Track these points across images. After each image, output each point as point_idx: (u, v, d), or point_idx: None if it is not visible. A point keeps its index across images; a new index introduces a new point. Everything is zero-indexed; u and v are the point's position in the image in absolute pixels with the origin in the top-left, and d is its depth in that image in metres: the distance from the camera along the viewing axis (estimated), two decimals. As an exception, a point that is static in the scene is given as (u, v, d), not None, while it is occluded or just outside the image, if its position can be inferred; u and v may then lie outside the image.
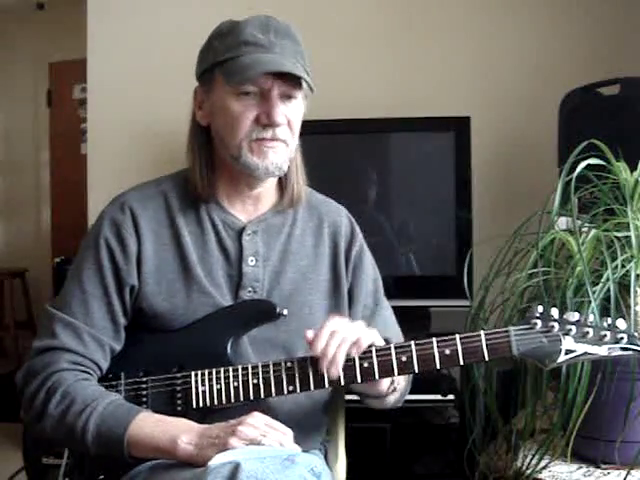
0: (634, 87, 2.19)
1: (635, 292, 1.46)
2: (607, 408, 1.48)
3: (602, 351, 1.18)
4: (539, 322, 1.20)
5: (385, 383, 1.29)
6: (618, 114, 2.16)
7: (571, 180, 1.49)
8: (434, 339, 1.22)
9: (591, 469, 1.53)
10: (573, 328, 1.19)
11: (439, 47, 2.88)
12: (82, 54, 3.14)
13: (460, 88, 2.83)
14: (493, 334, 1.21)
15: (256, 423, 1.16)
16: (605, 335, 1.18)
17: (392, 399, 1.35)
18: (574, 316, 1.21)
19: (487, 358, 1.20)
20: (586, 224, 1.55)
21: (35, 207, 5.27)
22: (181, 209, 1.36)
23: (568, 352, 1.19)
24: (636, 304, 1.47)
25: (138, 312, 1.32)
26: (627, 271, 1.45)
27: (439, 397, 2.39)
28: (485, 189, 2.68)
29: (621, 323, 1.20)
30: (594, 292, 1.41)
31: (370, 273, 1.45)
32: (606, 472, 1.52)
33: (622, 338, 1.19)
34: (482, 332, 1.21)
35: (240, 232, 1.36)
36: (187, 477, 1.13)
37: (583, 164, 1.52)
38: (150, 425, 1.19)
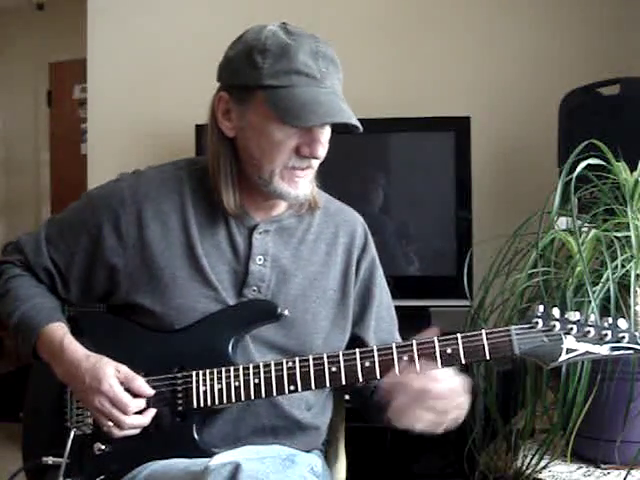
0: (634, 87, 2.19)
1: (635, 292, 1.46)
2: (607, 408, 1.48)
3: (603, 350, 1.18)
4: (540, 321, 1.20)
5: None
6: (618, 114, 2.16)
7: (571, 180, 1.49)
8: (435, 338, 1.21)
9: (591, 469, 1.53)
10: (574, 327, 1.18)
11: (439, 47, 2.88)
12: (82, 54, 3.15)
13: (460, 88, 2.83)
14: (494, 333, 1.20)
15: (103, 406, 1.23)
16: (606, 334, 1.18)
17: None
18: (575, 316, 1.20)
19: (488, 357, 1.20)
20: (586, 224, 1.55)
21: (35, 207, 5.25)
22: (193, 198, 1.33)
23: (569, 351, 1.18)
24: (636, 304, 1.47)
25: (134, 305, 1.32)
26: (627, 271, 1.45)
27: (439, 397, 2.38)
28: (485, 189, 2.68)
29: (622, 323, 1.20)
30: (594, 292, 1.42)
31: (384, 286, 1.44)
32: (606, 472, 1.52)
33: (623, 337, 1.18)
34: (483, 331, 1.20)
35: (252, 230, 1.34)
36: (187, 478, 1.13)
37: (583, 164, 1.52)
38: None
